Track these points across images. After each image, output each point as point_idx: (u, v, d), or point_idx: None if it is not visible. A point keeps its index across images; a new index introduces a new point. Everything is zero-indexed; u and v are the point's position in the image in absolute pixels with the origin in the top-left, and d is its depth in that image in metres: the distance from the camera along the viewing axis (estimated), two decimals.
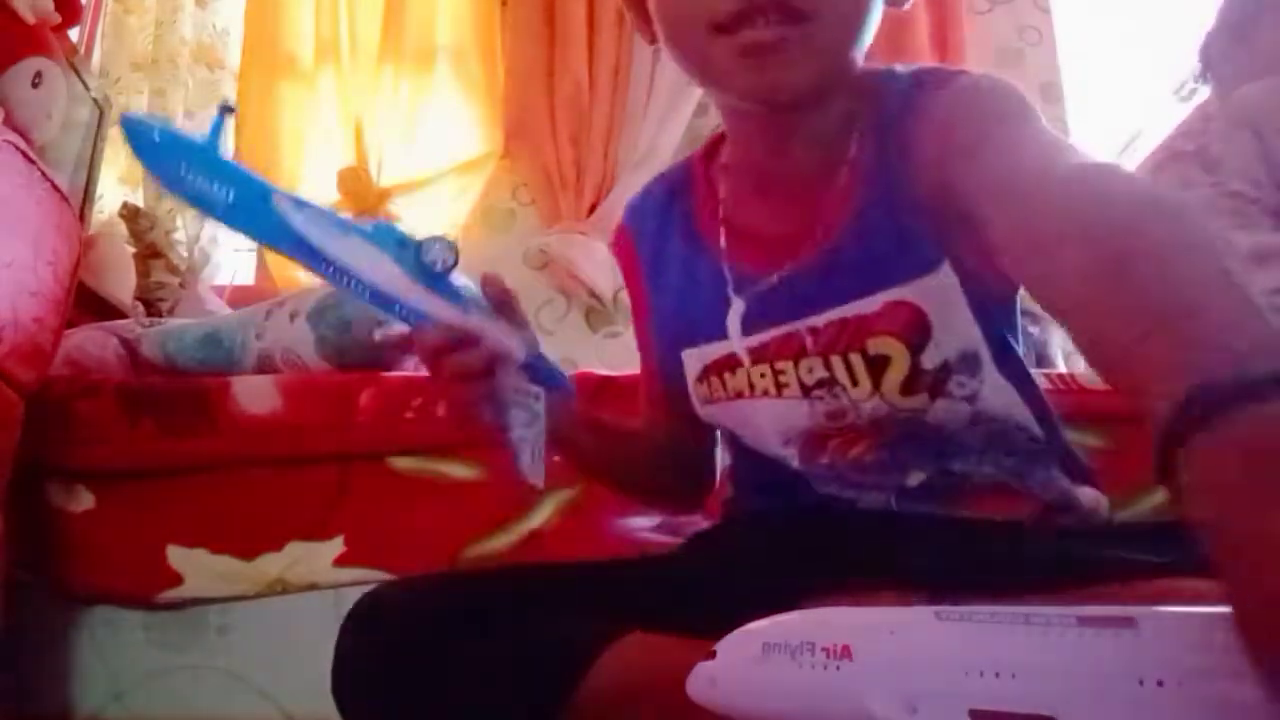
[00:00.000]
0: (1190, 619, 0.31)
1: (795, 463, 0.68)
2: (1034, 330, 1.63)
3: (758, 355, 0.68)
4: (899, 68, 0.69)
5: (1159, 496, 1.19)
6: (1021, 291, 0.67)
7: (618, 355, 2.25)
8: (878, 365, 0.63)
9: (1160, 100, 1.80)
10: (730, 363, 0.69)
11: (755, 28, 0.59)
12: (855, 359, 0.64)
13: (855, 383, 0.64)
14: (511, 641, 0.57)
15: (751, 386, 0.68)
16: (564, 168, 2.34)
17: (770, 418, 0.68)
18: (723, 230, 0.71)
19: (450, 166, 2.36)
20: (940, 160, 0.61)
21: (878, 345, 0.63)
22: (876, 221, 0.64)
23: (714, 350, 0.71)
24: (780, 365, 0.67)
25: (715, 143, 0.77)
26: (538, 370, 0.65)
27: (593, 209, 2.33)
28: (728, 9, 0.58)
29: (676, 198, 0.77)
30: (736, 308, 0.68)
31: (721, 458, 0.85)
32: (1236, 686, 0.29)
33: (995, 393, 0.64)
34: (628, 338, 2.33)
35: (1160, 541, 0.52)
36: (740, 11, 0.58)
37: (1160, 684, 0.29)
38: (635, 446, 0.82)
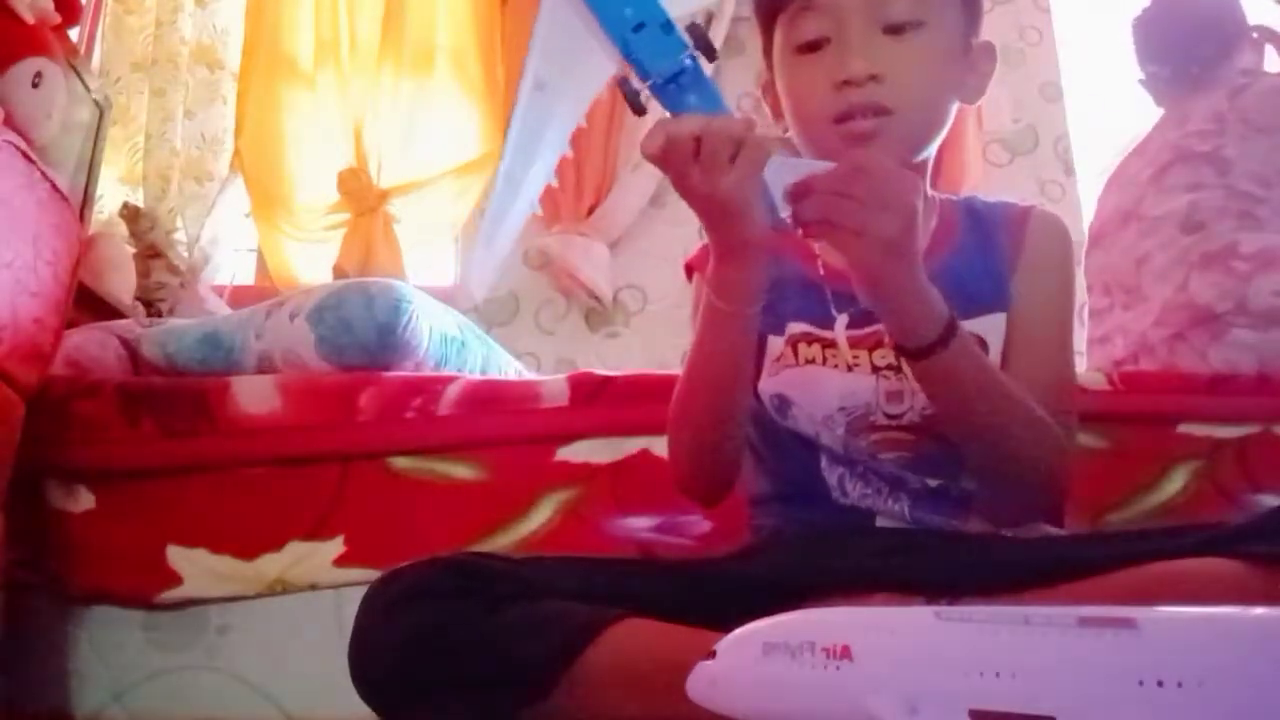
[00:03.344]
0: (1190, 619, 0.31)
1: (841, 430, 0.79)
2: None
3: (852, 343, 0.82)
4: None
5: (1158, 496, 1.19)
6: None
7: (617, 355, 2.25)
8: None
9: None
10: (806, 337, 0.83)
11: (856, 121, 0.78)
12: None
13: None
14: (518, 619, 0.61)
15: (824, 359, 0.81)
16: (563, 168, 2.33)
17: (838, 382, 0.81)
18: (820, 263, 0.85)
19: (450, 167, 2.36)
20: (1016, 250, 0.84)
21: None
22: (961, 265, 0.80)
23: (798, 328, 0.84)
24: (857, 352, 0.81)
25: None
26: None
27: (592, 209, 2.33)
28: (838, 108, 0.78)
29: None
30: (841, 320, 0.81)
31: (749, 483, 0.88)
32: (1236, 686, 0.29)
33: None
34: (627, 338, 2.36)
35: (1156, 538, 0.62)
36: (845, 110, 0.78)
37: (1160, 684, 0.30)
38: (742, 376, 0.79)
